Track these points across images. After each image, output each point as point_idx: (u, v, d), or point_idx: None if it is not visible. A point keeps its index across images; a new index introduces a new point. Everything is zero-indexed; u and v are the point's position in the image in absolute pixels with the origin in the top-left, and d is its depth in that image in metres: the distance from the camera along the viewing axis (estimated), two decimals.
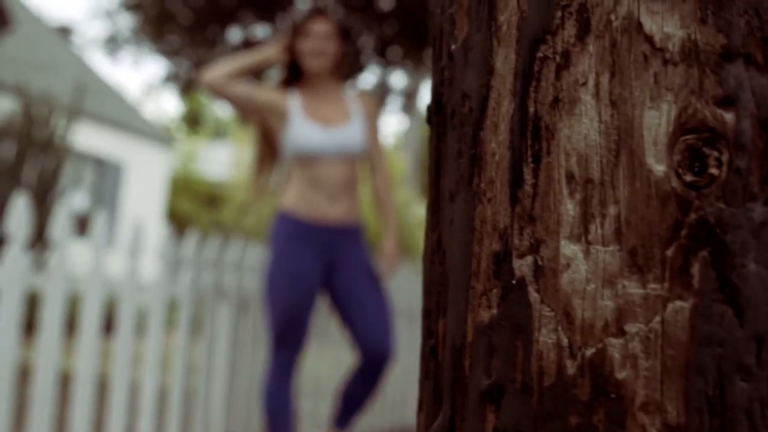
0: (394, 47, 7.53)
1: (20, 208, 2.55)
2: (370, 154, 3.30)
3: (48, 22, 16.02)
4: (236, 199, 18.04)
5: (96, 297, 2.87)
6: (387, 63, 7.70)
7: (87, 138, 12.56)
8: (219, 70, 3.19)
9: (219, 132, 28.37)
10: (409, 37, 7.38)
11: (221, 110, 28.59)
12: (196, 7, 8.13)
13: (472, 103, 0.92)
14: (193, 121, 31.44)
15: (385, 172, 3.33)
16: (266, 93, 3.25)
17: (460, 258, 0.91)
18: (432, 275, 0.98)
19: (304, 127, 3.15)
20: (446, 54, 0.99)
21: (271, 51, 3.28)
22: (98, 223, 2.89)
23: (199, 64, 8.77)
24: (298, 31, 3.24)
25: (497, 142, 0.89)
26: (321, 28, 3.23)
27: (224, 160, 19.82)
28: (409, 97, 8.25)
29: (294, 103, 3.22)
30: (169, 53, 8.70)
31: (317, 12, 3.32)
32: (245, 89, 3.21)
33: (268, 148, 3.33)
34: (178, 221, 16.68)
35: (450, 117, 0.96)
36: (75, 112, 9.01)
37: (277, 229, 3.18)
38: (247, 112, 3.28)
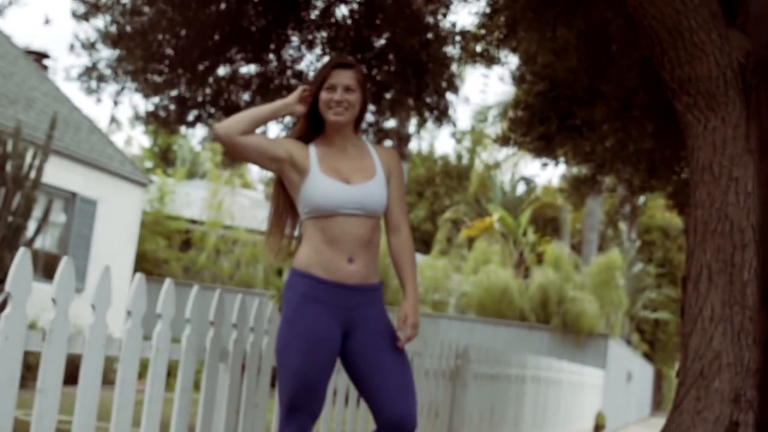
0: (388, 91, 7.38)
1: (21, 261, 2.30)
2: (390, 211, 3.07)
3: (24, 52, 15.68)
4: (211, 241, 17.67)
5: (96, 357, 2.63)
6: (380, 107, 7.53)
7: (60, 174, 12.21)
8: (233, 122, 2.91)
9: (195, 170, 27.95)
10: (404, 83, 7.23)
11: (197, 148, 28.20)
12: (181, 45, 7.92)
13: None
14: (166, 158, 31.07)
15: (407, 230, 3.09)
16: (284, 145, 2.99)
17: None
18: None
19: (322, 182, 2.91)
20: None
21: (289, 102, 3.01)
22: (100, 280, 2.64)
23: (180, 101, 8.54)
24: (320, 81, 2.99)
25: None
26: (345, 78, 2.97)
27: (200, 199, 19.39)
28: (402, 141, 8.08)
29: (313, 156, 2.98)
30: (150, 90, 8.45)
31: (341, 61, 3.03)
32: (262, 142, 2.96)
33: (287, 203, 3.08)
34: (149, 263, 16.25)
35: None
36: (48, 147, 8.71)
37: (291, 289, 2.94)
38: (263, 165, 3.01)
